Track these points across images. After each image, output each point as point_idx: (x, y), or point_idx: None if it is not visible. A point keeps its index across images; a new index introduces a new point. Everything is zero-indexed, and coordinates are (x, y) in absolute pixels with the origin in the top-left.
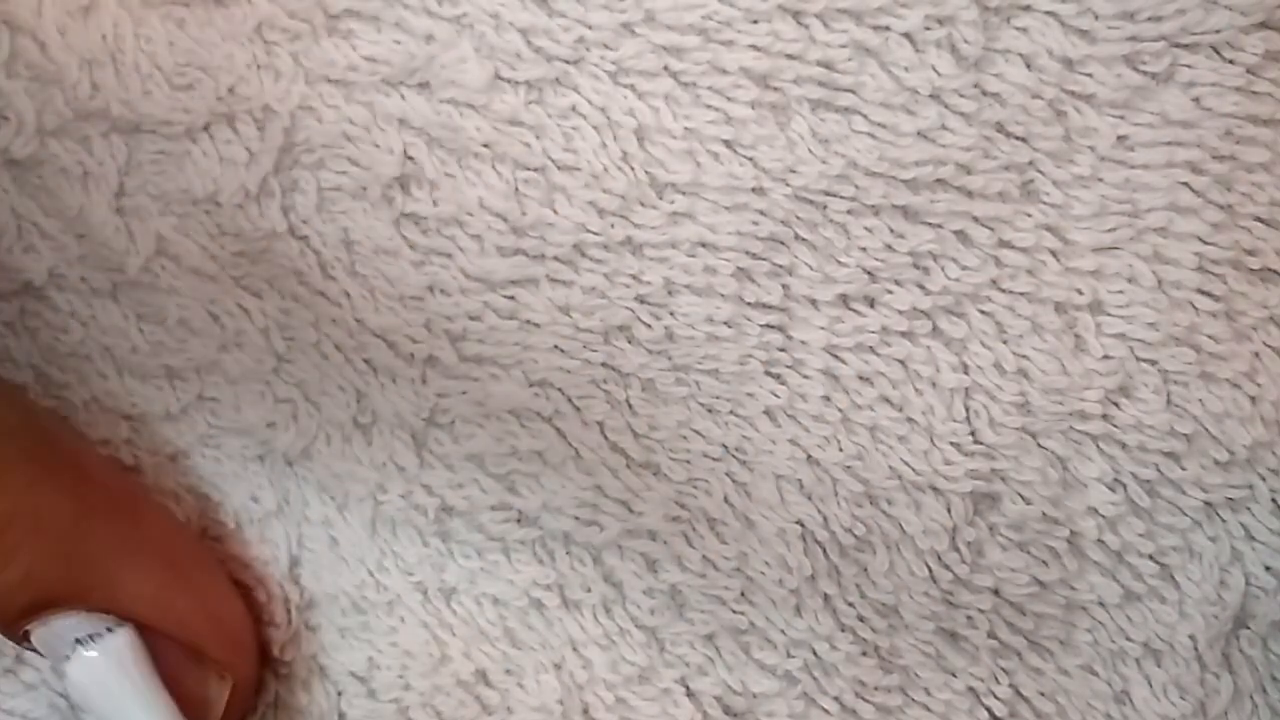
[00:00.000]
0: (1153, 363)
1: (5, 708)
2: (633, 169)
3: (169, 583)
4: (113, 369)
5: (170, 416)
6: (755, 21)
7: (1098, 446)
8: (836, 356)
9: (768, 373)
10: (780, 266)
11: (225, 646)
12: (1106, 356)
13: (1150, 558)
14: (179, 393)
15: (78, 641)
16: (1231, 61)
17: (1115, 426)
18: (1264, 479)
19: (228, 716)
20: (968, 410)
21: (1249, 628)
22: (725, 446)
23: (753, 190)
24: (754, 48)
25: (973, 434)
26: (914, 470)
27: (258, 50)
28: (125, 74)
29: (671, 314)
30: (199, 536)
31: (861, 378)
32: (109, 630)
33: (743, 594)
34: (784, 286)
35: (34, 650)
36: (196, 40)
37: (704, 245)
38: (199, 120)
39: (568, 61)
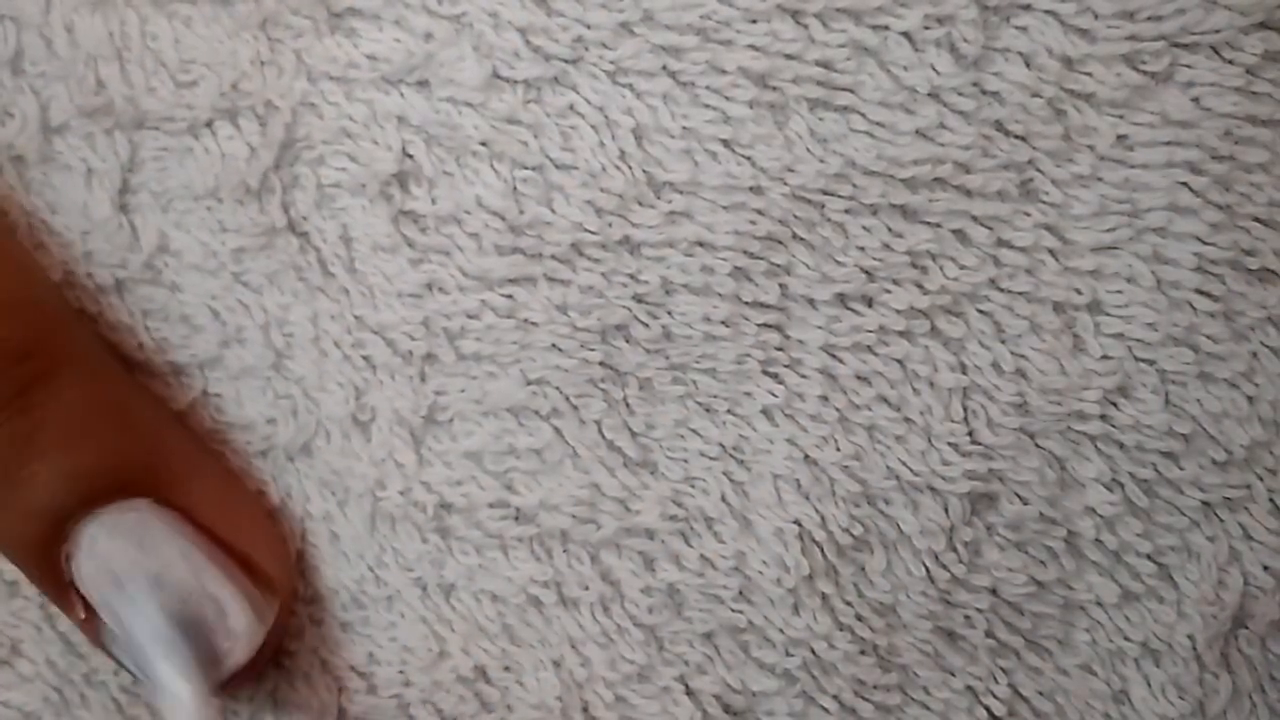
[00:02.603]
0: (1151, 363)
1: (1, 700)
2: (630, 168)
3: (230, 495)
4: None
5: (176, 413)
6: (754, 21)
7: (1096, 446)
8: (834, 356)
9: (765, 372)
10: (778, 266)
11: (275, 564)
12: (1105, 356)
13: (1148, 557)
14: (184, 389)
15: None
16: (1231, 62)
17: (1113, 426)
18: (1262, 479)
19: (270, 634)
20: (965, 410)
21: (1247, 627)
22: (723, 446)
23: (750, 189)
24: (752, 47)
25: (970, 434)
26: (911, 470)
27: (261, 46)
28: (131, 70)
29: (669, 313)
30: None
31: (859, 377)
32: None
33: (741, 593)
34: (781, 286)
35: (51, 579)
36: (201, 37)
37: (701, 244)
38: (202, 116)
39: (566, 61)
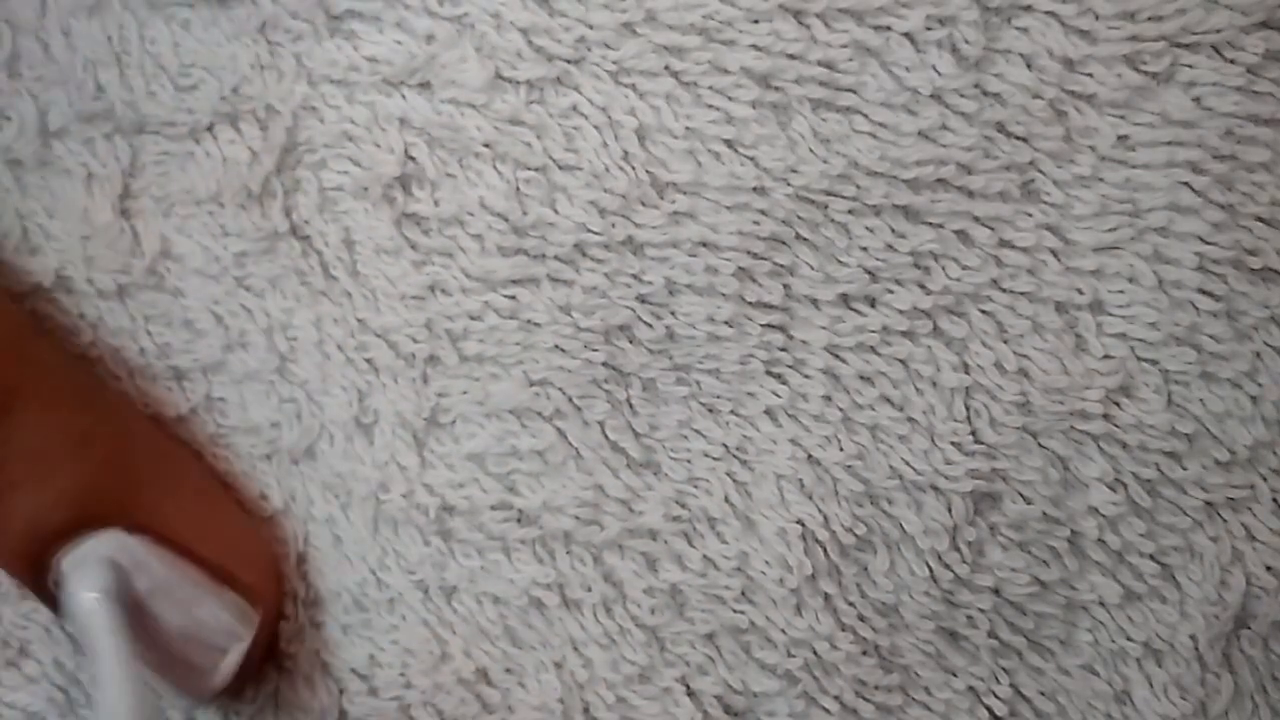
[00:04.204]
0: (1154, 362)
1: (6, 700)
2: (634, 168)
3: (205, 510)
4: (123, 371)
5: (180, 418)
6: (756, 21)
7: (1099, 446)
8: (838, 356)
9: (769, 372)
10: (781, 266)
11: (255, 573)
12: (1107, 356)
13: (1151, 557)
14: (187, 394)
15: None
16: (1232, 61)
17: (1116, 426)
18: (1265, 479)
19: (255, 643)
20: (968, 410)
21: (1250, 628)
22: (726, 446)
23: (754, 190)
24: (755, 47)
25: (973, 434)
26: (915, 470)
27: (261, 50)
28: (130, 75)
29: (673, 314)
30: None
31: (862, 377)
32: (118, 577)
33: (743, 593)
34: (785, 286)
35: (47, 599)
36: (200, 41)
37: (705, 245)
38: (203, 120)
39: (569, 61)
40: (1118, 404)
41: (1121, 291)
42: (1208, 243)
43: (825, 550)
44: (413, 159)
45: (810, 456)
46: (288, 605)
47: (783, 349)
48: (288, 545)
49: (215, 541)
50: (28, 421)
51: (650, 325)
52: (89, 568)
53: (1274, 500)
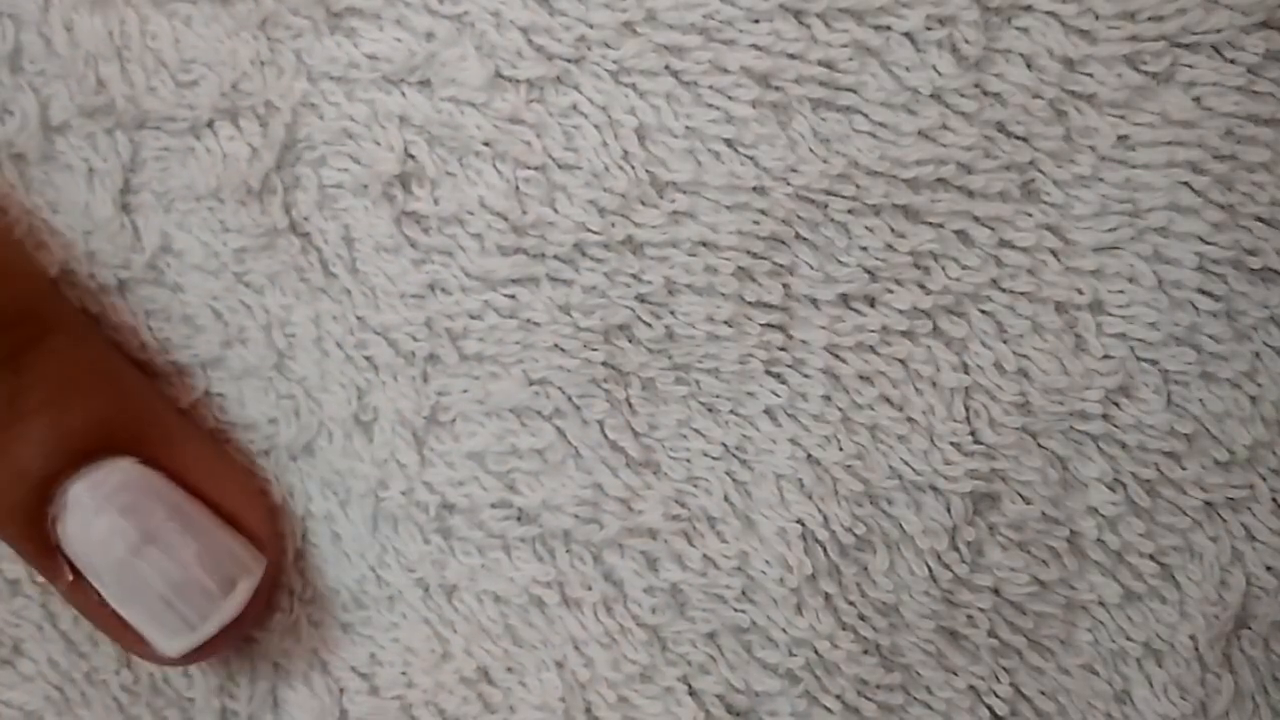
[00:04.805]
0: (1153, 362)
1: (3, 699)
2: (634, 168)
3: (215, 459)
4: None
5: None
6: (757, 21)
7: (1098, 446)
8: (837, 356)
9: (768, 372)
10: (781, 266)
11: (261, 525)
12: (1107, 356)
13: (1151, 557)
14: (187, 389)
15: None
16: (1232, 61)
17: (1115, 426)
18: (1264, 479)
19: (259, 591)
20: (968, 410)
21: (1250, 628)
22: (725, 446)
23: (754, 189)
24: (755, 47)
25: (973, 434)
26: (914, 470)
27: (261, 47)
28: (131, 70)
29: (672, 313)
30: None
31: (862, 377)
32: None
33: (743, 593)
34: (785, 286)
35: (48, 540)
36: (201, 36)
37: (705, 244)
38: (203, 116)
39: (569, 60)
40: (1117, 404)
41: (1121, 291)
42: (1208, 243)
43: (825, 550)
44: (412, 157)
45: (810, 456)
46: (283, 599)
47: (782, 349)
48: (285, 541)
49: (224, 490)
50: (55, 353)
51: (650, 325)
52: (99, 495)
53: (1274, 500)
